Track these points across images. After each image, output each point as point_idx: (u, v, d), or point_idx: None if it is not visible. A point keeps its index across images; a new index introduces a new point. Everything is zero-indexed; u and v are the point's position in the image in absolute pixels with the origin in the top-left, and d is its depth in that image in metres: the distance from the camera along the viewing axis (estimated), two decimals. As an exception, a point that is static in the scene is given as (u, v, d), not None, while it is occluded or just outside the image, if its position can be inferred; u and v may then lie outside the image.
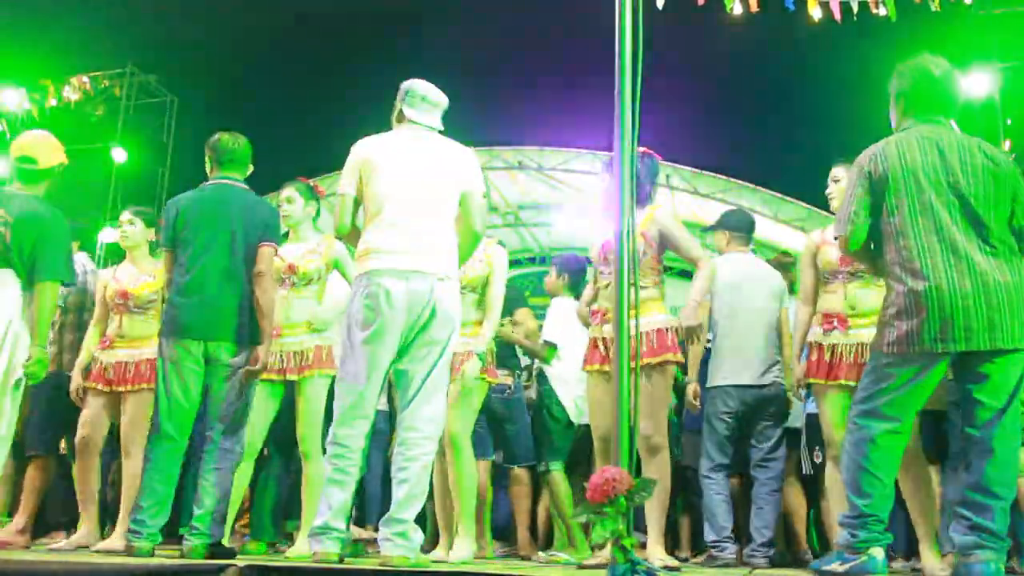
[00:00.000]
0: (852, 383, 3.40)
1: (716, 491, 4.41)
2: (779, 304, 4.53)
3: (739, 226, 4.71)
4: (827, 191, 3.73)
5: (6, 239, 3.45)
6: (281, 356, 3.94)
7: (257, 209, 3.68)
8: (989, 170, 2.79)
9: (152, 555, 3.27)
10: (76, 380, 4.32)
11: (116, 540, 3.88)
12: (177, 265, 3.60)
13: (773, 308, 4.50)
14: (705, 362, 4.60)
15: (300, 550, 3.76)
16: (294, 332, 4.00)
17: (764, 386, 4.38)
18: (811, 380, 3.59)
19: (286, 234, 4.20)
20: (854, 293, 3.56)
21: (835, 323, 3.53)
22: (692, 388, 4.53)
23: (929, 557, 3.27)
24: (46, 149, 3.75)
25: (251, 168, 3.82)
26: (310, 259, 4.08)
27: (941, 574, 3.14)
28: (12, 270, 3.48)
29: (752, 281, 4.52)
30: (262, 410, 3.87)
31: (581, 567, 3.40)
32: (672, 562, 3.40)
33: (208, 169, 3.79)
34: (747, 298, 4.47)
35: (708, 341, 4.61)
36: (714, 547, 4.32)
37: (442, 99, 3.30)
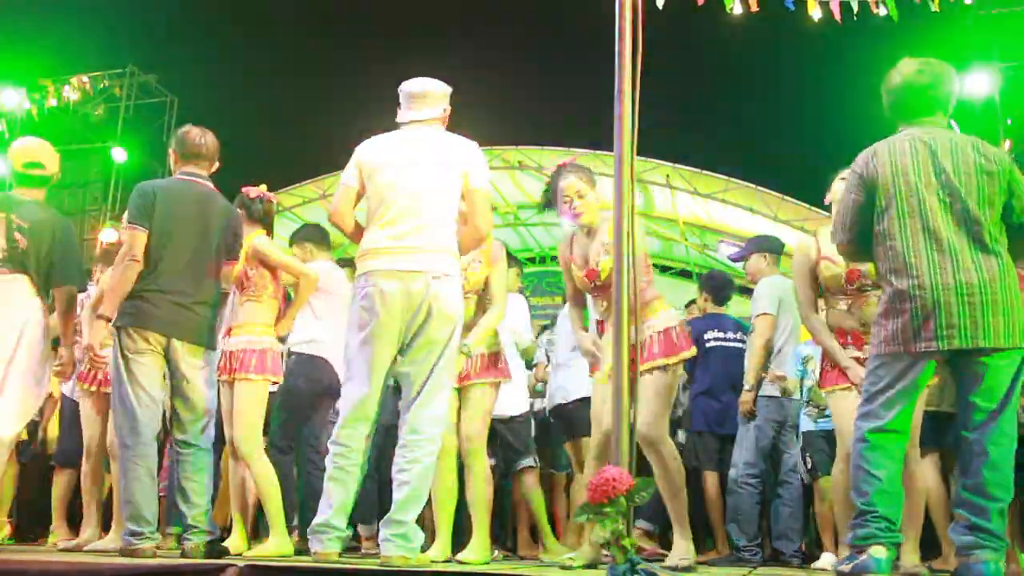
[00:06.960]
0: None
1: (753, 497, 4.65)
2: None
3: (775, 248, 5.04)
4: (826, 200, 3.64)
5: (22, 245, 3.52)
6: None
7: (228, 215, 3.66)
8: (982, 168, 2.78)
9: (154, 555, 3.27)
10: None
11: (111, 540, 3.90)
12: (147, 252, 3.44)
13: None
14: None
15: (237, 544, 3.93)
16: (239, 333, 3.93)
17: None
18: (831, 388, 3.47)
19: None
20: (862, 310, 3.43)
21: (849, 339, 3.40)
22: (751, 395, 4.73)
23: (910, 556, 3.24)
24: (49, 155, 3.82)
25: (217, 164, 3.72)
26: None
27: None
28: (27, 276, 3.55)
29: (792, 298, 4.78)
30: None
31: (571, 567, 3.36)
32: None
33: (172, 161, 3.70)
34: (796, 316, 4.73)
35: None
36: (746, 551, 4.58)
37: (425, 87, 3.24)
